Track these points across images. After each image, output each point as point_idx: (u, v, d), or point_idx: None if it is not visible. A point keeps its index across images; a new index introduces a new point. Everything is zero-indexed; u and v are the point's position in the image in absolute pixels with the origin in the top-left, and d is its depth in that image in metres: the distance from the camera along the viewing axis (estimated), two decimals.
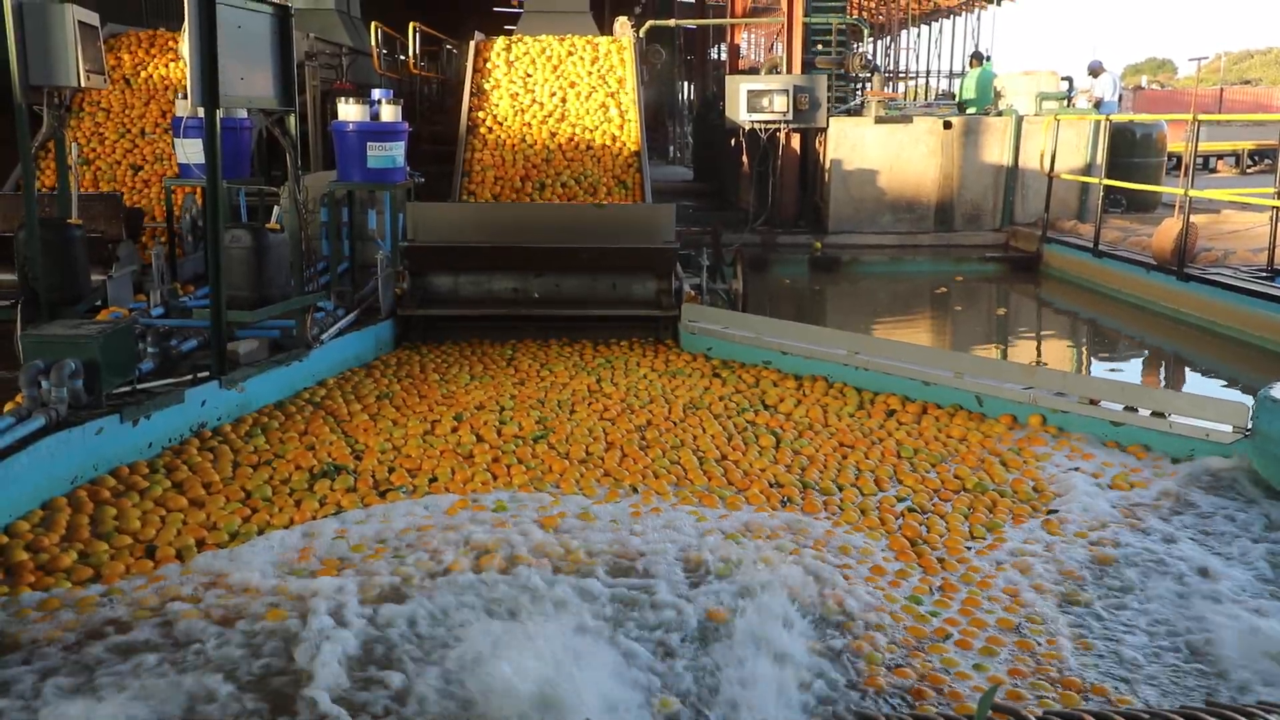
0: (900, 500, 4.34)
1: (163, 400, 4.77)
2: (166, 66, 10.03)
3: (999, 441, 5.03)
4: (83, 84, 5.21)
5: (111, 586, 3.48)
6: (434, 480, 4.54)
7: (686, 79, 29.71)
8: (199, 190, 8.04)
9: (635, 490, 4.46)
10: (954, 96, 21.25)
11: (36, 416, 4.20)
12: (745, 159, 12.47)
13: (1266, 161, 21.98)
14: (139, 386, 4.86)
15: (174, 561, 3.69)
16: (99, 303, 6.06)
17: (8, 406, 4.37)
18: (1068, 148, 12.10)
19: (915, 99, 24.38)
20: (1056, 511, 4.17)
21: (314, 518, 4.11)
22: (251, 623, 3.21)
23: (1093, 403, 5.15)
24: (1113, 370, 8.06)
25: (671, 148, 29.09)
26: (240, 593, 3.41)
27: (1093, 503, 4.22)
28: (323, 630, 3.15)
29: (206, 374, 5.12)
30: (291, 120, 5.63)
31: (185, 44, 4.80)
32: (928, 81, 28.93)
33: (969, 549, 3.87)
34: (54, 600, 3.37)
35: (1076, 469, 4.62)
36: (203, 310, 6.01)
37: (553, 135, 10.05)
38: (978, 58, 14.85)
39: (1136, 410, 5.00)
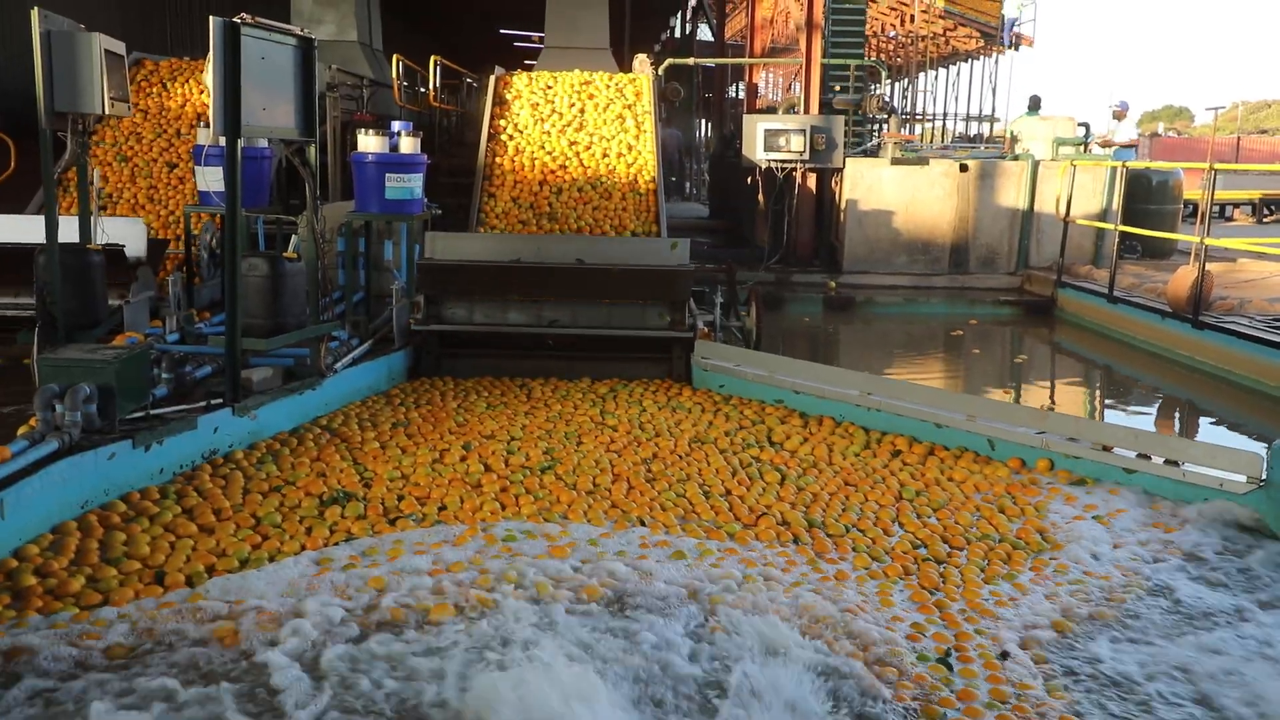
0: (916, 546, 4.27)
1: (175, 426, 4.79)
2: (198, 77, 10.34)
3: (1004, 486, 4.97)
4: (107, 111, 5.28)
5: (120, 611, 3.47)
6: (443, 508, 4.55)
7: (704, 117, 29.95)
8: (217, 217, 8.12)
9: (642, 523, 4.45)
10: (971, 139, 21.32)
11: (50, 440, 4.22)
12: (761, 197, 12.53)
13: None
14: (153, 412, 4.88)
15: (183, 587, 3.69)
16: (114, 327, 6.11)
17: (21, 430, 4.39)
18: (1084, 193, 12.11)
19: (932, 141, 24.47)
20: (1076, 564, 4.07)
21: (325, 545, 4.11)
22: (253, 648, 3.22)
23: (1105, 449, 5.12)
24: (1130, 414, 8.01)
25: (688, 184, 29.26)
26: (246, 617, 3.41)
27: (1103, 553, 4.16)
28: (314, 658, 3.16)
29: (220, 401, 5.14)
30: (312, 151, 5.69)
31: (209, 74, 4.87)
32: (944, 124, 29.04)
33: (987, 601, 3.76)
34: (60, 624, 3.37)
35: (1081, 517, 4.56)
36: (218, 337, 6.06)
37: (571, 144, 10.26)
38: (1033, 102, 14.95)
39: (1150, 458, 4.97)
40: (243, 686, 3.04)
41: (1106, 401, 8.54)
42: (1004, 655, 3.31)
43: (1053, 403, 8.20)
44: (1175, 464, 4.88)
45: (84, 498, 4.28)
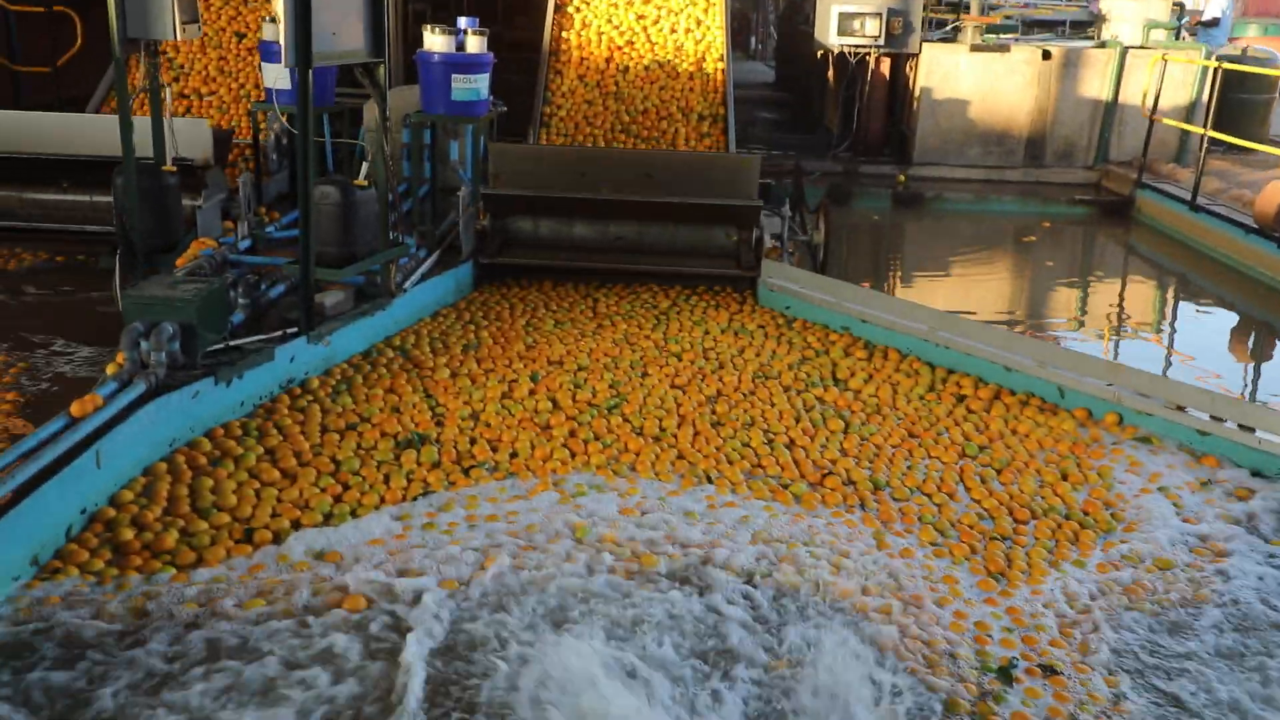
0: (981, 518, 4.28)
1: (254, 359, 4.91)
2: None
3: (1068, 444, 4.93)
4: (178, 36, 5.20)
5: (214, 573, 3.66)
6: (514, 455, 4.66)
7: None
8: (284, 114, 8.03)
9: (709, 479, 4.53)
10: None
11: (138, 382, 4.35)
12: (832, 81, 12.10)
13: None
14: (231, 343, 4.99)
15: (271, 544, 3.86)
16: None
17: (109, 368, 4.52)
18: (1172, 83, 11.51)
19: None
20: (1147, 545, 4.03)
21: (403, 498, 4.25)
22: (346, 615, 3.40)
23: (1178, 409, 5.05)
24: (1204, 336, 7.77)
25: (753, 39, 28.24)
26: (336, 584, 3.58)
27: (1175, 535, 4.12)
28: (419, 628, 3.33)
29: (294, 330, 5.23)
30: (381, 71, 5.57)
31: (278, 1, 4.75)
32: None
33: (1054, 591, 3.75)
34: (159, 586, 3.55)
35: (1149, 490, 4.51)
36: (289, 247, 6.13)
37: (639, 18, 10.10)
38: None
39: (1223, 421, 4.90)
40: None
41: (1178, 326, 8.23)
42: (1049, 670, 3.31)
43: (1122, 319, 8.03)
44: (1250, 430, 4.82)
45: (171, 436, 4.44)
